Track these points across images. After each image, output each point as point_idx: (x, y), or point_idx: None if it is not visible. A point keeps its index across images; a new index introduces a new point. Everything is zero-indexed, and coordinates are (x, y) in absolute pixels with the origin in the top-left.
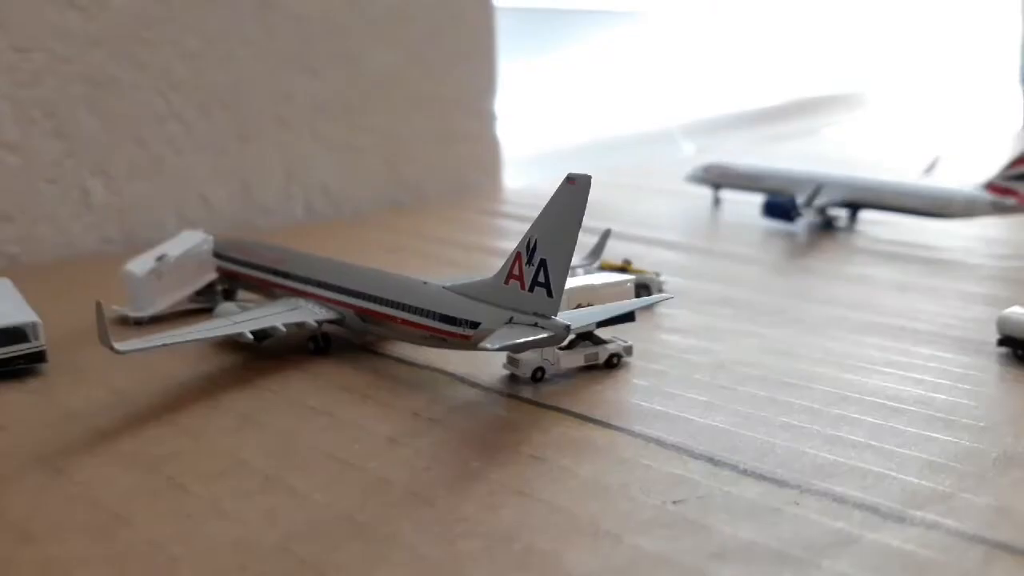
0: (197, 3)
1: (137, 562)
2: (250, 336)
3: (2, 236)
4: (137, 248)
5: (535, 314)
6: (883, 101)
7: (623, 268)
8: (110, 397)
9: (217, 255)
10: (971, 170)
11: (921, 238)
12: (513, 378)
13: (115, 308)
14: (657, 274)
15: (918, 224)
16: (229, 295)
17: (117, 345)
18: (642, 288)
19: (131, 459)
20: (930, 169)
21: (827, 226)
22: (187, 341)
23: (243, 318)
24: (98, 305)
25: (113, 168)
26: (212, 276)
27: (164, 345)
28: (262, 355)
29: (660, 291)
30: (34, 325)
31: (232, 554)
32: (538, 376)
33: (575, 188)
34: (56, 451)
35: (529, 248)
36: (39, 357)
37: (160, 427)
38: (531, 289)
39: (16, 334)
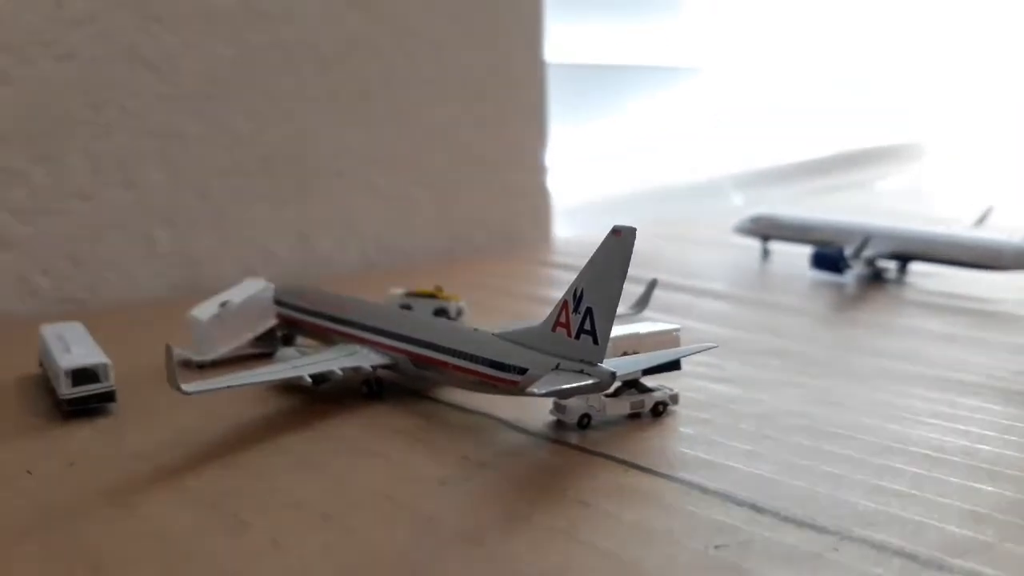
0: (262, 64)
1: None
2: (309, 380)
3: (73, 282)
4: (200, 295)
5: (581, 361)
6: (941, 152)
7: (433, 295)
8: (175, 436)
9: (277, 302)
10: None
11: (971, 290)
12: (560, 424)
13: (179, 351)
14: (460, 301)
15: (969, 276)
16: (289, 341)
17: (184, 386)
18: (440, 313)
19: (195, 496)
20: (981, 220)
21: (876, 278)
22: (250, 384)
23: (302, 362)
24: (168, 348)
25: (179, 218)
26: (272, 322)
27: (228, 387)
28: (320, 398)
29: (459, 315)
30: (104, 366)
31: None
32: (584, 423)
33: (620, 239)
34: (124, 487)
35: (576, 297)
36: (109, 397)
37: (223, 466)
38: (577, 336)
39: (88, 375)
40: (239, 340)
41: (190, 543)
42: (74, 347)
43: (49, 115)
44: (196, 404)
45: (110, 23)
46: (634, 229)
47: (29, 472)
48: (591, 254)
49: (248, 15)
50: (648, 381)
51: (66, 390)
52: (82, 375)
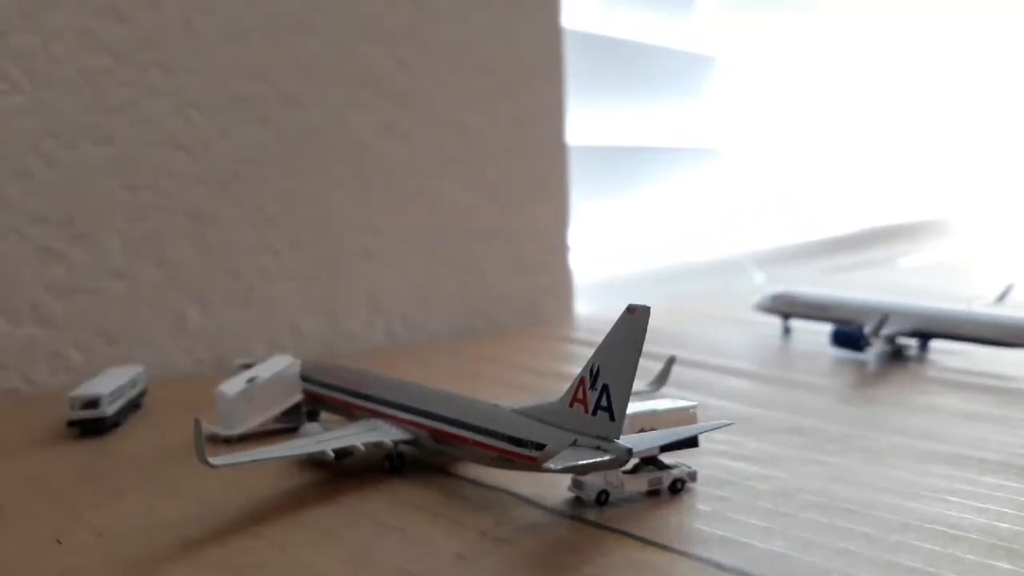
0: (292, 146)
1: None
2: (331, 454)
3: (105, 357)
4: (228, 370)
5: (598, 437)
6: (966, 229)
7: None
8: (202, 509)
9: (303, 378)
10: None
11: (993, 368)
12: (578, 500)
13: (207, 426)
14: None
15: (991, 354)
16: (313, 416)
17: (211, 460)
18: None
19: (218, 567)
20: (1003, 297)
21: (897, 355)
22: (275, 458)
23: (325, 437)
24: (197, 423)
25: (209, 295)
26: (298, 398)
27: (254, 461)
28: (342, 473)
29: None
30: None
31: None
32: (602, 499)
33: (635, 318)
34: (150, 557)
35: (592, 373)
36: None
37: (246, 538)
38: (594, 413)
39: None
40: (265, 415)
41: None
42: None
43: (88, 196)
44: (223, 477)
45: (148, 109)
46: (648, 308)
47: (59, 542)
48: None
49: (279, 101)
50: (666, 458)
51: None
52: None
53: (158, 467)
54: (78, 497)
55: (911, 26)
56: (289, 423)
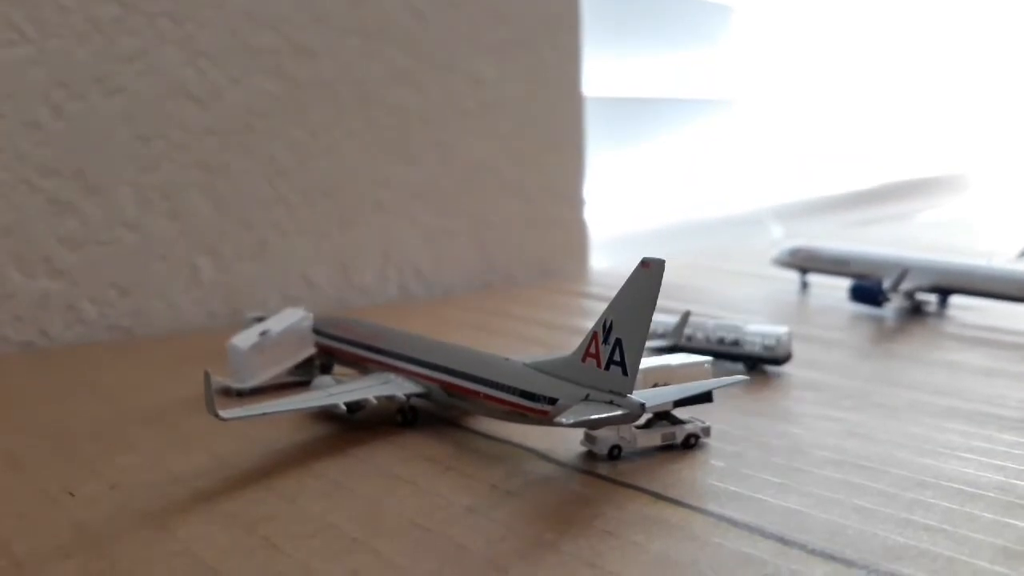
0: (303, 97)
1: None
2: (343, 408)
3: (118, 309)
4: (241, 323)
5: (611, 392)
6: (984, 184)
7: None
8: (212, 462)
9: (316, 331)
10: None
11: (1013, 324)
12: (590, 455)
13: (219, 379)
14: None
15: (1011, 309)
16: (326, 369)
17: (222, 413)
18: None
19: (230, 519)
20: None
21: (916, 311)
22: (286, 411)
23: (338, 390)
24: (206, 375)
25: (222, 248)
26: (311, 351)
27: (264, 414)
28: (354, 426)
29: None
30: None
31: None
32: (615, 454)
33: (649, 271)
34: (161, 510)
35: (605, 328)
36: None
37: (257, 490)
38: (607, 367)
39: None
40: (278, 369)
41: (223, 565)
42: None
43: (99, 148)
44: (234, 430)
45: (158, 59)
46: (663, 261)
47: (72, 494)
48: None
49: (291, 51)
50: (680, 413)
51: None
52: None
53: (171, 420)
54: (91, 450)
55: None
56: (301, 377)
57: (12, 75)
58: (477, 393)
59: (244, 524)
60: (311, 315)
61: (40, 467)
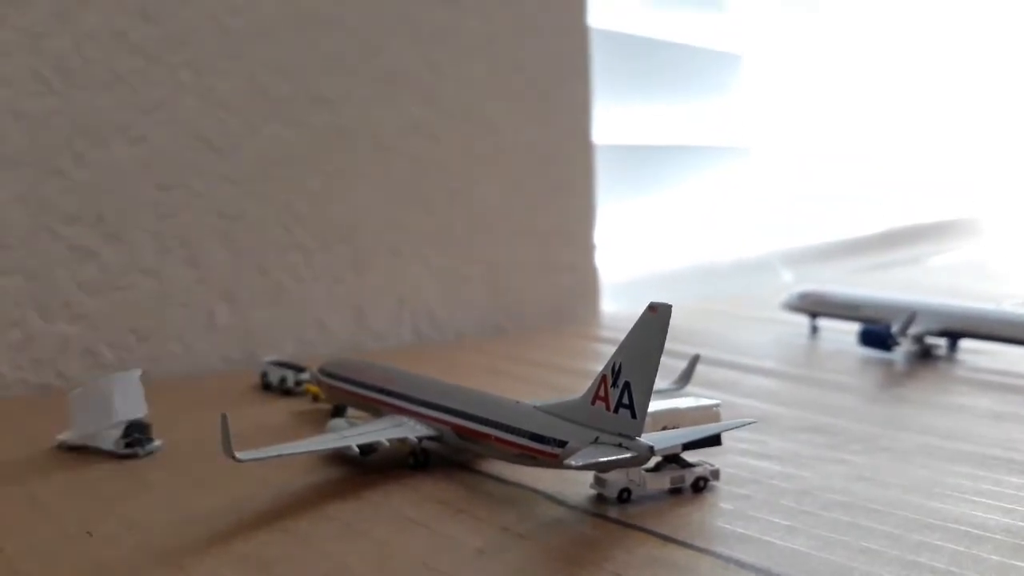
0: (320, 146)
1: None
2: (356, 450)
3: (136, 354)
4: (256, 367)
5: (620, 435)
6: (998, 228)
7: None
8: (228, 503)
9: (327, 374)
10: None
11: (1023, 367)
12: (600, 498)
13: (59, 438)
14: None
15: (1021, 353)
16: (339, 412)
17: (238, 455)
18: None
19: (244, 560)
20: None
21: (926, 355)
22: (300, 452)
23: (351, 433)
24: (223, 418)
25: (238, 293)
26: (141, 413)
27: (280, 455)
28: (367, 468)
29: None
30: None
31: None
32: (624, 497)
33: (656, 316)
34: (178, 550)
35: (614, 371)
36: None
37: (271, 532)
38: (616, 410)
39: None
40: (98, 426)
41: None
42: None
43: (119, 196)
44: (249, 472)
45: (179, 109)
46: (669, 305)
47: (89, 534)
48: None
49: (308, 99)
50: (689, 456)
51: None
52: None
53: (188, 462)
54: (109, 490)
55: (942, 25)
56: (129, 442)
57: (38, 125)
58: (488, 436)
59: (258, 565)
60: (139, 372)
61: (59, 507)
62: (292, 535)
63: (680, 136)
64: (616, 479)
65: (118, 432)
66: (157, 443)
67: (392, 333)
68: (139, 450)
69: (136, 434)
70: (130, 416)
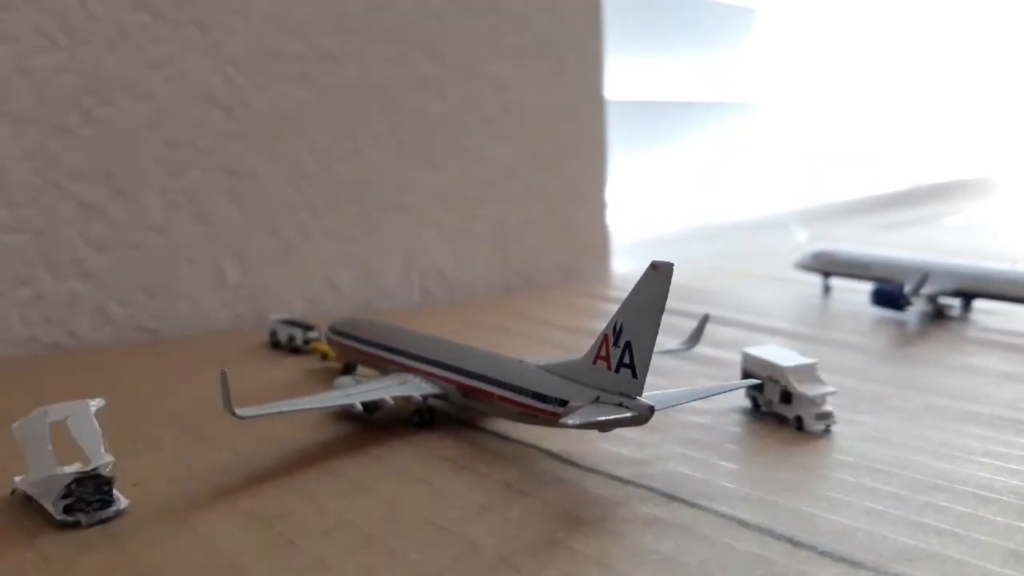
0: (328, 103)
1: None
2: (360, 407)
3: (146, 311)
4: (265, 325)
5: (621, 394)
6: (1011, 187)
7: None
8: (234, 460)
9: (336, 332)
10: None
11: None
12: (606, 454)
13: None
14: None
15: None
16: (348, 370)
17: (238, 411)
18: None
19: (248, 515)
20: None
21: (939, 315)
22: (302, 409)
23: (355, 390)
24: (223, 375)
25: (247, 251)
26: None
27: (281, 412)
28: (373, 426)
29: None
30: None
31: None
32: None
33: (658, 274)
34: (183, 505)
35: (616, 331)
36: None
37: (276, 488)
38: (617, 370)
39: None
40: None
41: (241, 559)
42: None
43: (127, 153)
44: (256, 430)
45: (185, 66)
46: (671, 264)
47: None
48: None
49: (316, 56)
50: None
51: None
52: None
53: (193, 419)
54: (117, 448)
55: None
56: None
57: (44, 82)
58: (491, 394)
59: (263, 520)
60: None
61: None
62: (297, 491)
63: (694, 92)
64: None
65: (59, 488)
66: (121, 504)
67: (401, 292)
68: (82, 517)
69: (85, 492)
70: (78, 467)
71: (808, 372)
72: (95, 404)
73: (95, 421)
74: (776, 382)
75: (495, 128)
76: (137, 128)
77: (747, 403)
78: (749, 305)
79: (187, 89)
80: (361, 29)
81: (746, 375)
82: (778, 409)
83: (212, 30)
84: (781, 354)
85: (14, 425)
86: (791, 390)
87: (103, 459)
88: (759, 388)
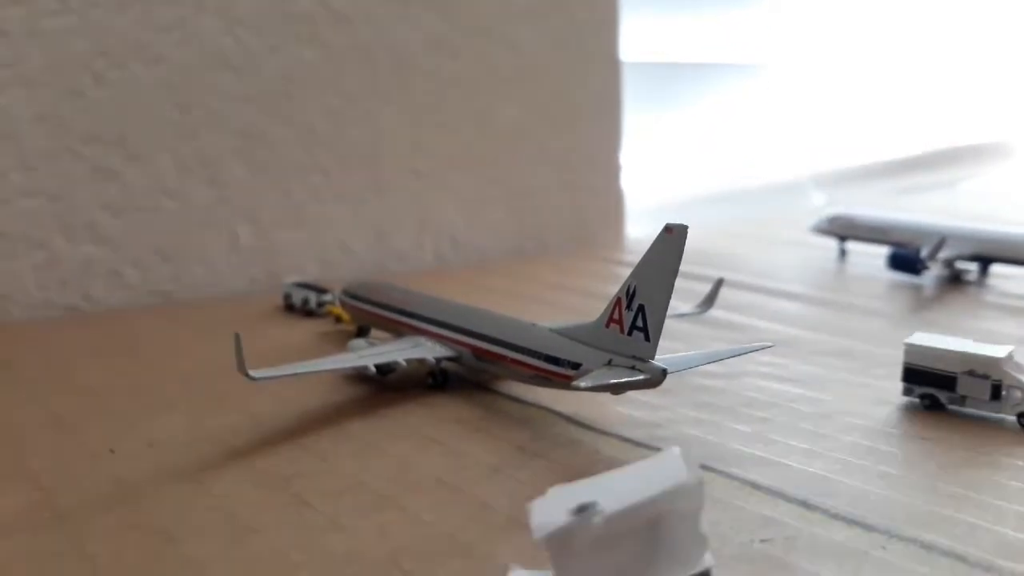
0: (339, 64)
1: (261, 565)
2: (373, 370)
3: (160, 274)
4: (279, 289)
5: (633, 357)
6: None
7: (323, 289)
8: (248, 421)
9: (349, 295)
10: None
11: None
12: (617, 418)
13: None
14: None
15: None
16: (362, 332)
17: (252, 372)
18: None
19: (263, 476)
20: None
21: (956, 279)
22: (316, 371)
23: (368, 352)
24: (236, 337)
25: (261, 214)
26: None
27: (295, 374)
28: (387, 388)
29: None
30: None
31: (345, 564)
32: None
33: (672, 237)
34: (198, 467)
35: (629, 294)
36: None
37: (291, 449)
38: (630, 333)
39: None
40: None
41: (256, 519)
42: None
43: (139, 116)
44: (270, 391)
45: (197, 28)
46: (685, 226)
47: (112, 451)
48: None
49: (327, 17)
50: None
51: None
52: None
53: (208, 381)
54: (132, 409)
55: None
56: None
57: (55, 45)
58: (504, 357)
59: (277, 481)
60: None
61: (82, 426)
62: (311, 452)
63: (711, 53)
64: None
65: None
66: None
67: (414, 255)
68: None
69: None
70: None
71: (1017, 363)
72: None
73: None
74: (983, 377)
75: (508, 90)
76: (149, 91)
77: (904, 401)
78: (764, 269)
79: (198, 52)
80: None
81: (912, 371)
82: (982, 409)
83: None
84: (962, 343)
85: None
86: (1015, 385)
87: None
88: (925, 380)
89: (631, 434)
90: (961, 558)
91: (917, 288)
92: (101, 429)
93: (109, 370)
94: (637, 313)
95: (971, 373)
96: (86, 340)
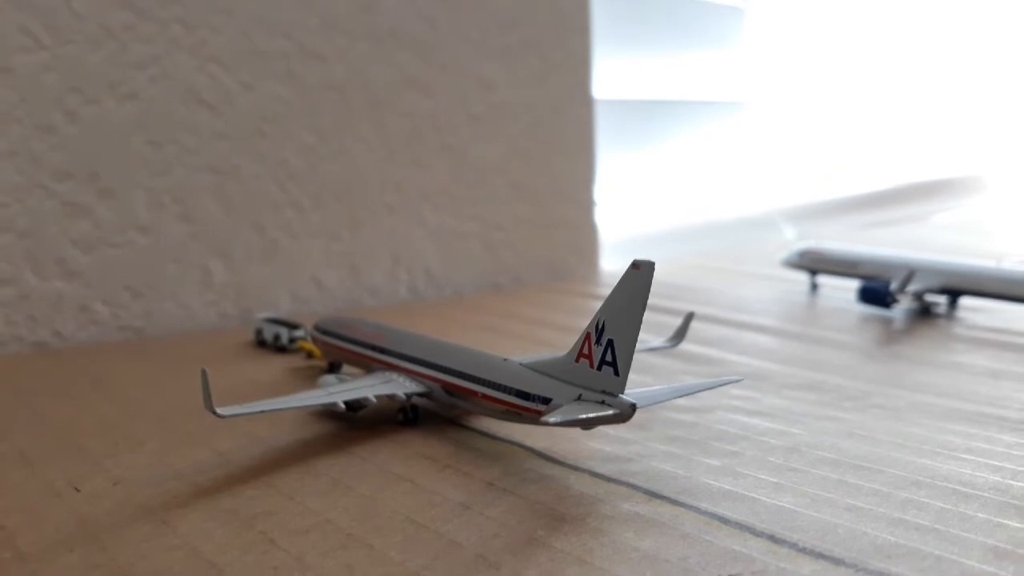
0: (313, 102)
1: None
2: (342, 406)
3: (131, 310)
4: (251, 324)
5: (603, 392)
6: (1001, 186)
7: (295, 325)
8: (215, 459)
9: (320, 331)
10: None
11: (1022, 325)
12: (587, 453)
13: None
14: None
15: (1020, 311)
16: (333, 368)
17: (219, 410)
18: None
19: (229, 515)
20: None
21: (925, 312)
22: (284, 409)
23: (338, 389)
24: (204, 373)
25: (233, 250)
26: None
27: (263, 412)
28: (356, 425)
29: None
30: None
31: None
32: None
33: (640, 273)
34: (162, 505)
35: (598, 329)
36: None
37: (257, 487)
38: (599, 368)
39: None
40: None
41: (220, 558)
42: None
43: (112, 152)
44: (238, 429)
45: (170, 65)
46: (652, 263)
47: (77, 489)
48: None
49: (301, 56)
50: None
51: None
52: None
53: (176, 419)
54: (98, 447)
55: None
56: None
57: (27, 80)
58: (475, 392)
59: (243, 519)
60: None
61: (47, 463)
62: (278, 490)
63: (683, 91)
64: None
65: None
66: None
67: (388, 290)
68: None
69: None
70: None
71: None
72: None
73: None
74: None
75: (482, 127)
76: (122, 127)
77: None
78: (736, 302)
79: (172, 88)
80: (347, 28)
81: None
82: None
83: (197, 29)
84: None
85: None
86: None
87: None
88: None
89: (602, 469)
90: None
91: (887, 321)
92: (66, 467)
93: (76, 407)
94: (606, 348)
95: None
96: (54, 376)
